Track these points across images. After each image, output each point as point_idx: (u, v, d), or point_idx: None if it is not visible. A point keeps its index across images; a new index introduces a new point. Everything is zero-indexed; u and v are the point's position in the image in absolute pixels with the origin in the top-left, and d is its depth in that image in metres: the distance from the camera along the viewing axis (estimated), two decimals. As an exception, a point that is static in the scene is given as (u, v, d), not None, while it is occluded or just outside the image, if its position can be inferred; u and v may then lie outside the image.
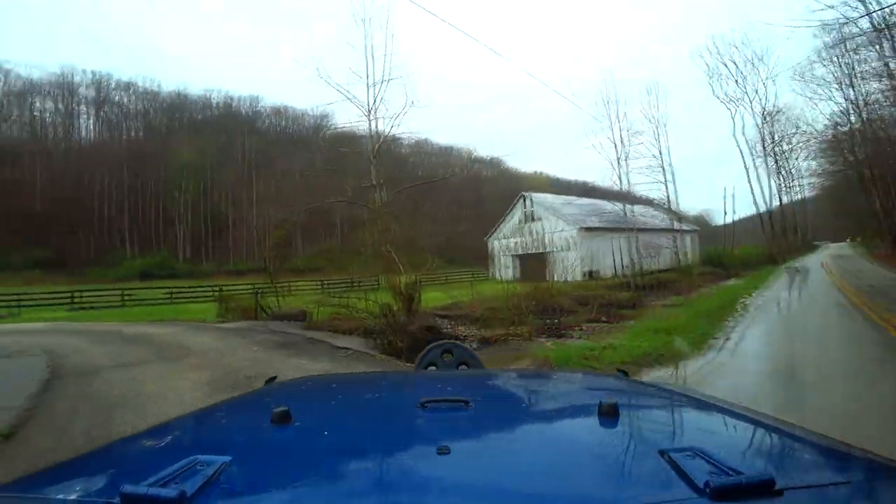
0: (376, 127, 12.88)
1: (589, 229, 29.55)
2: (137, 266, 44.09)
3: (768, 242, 41.17)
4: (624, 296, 17.70)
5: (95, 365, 6.75)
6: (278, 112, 70.98)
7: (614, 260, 29.54)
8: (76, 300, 23.12)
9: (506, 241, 34.88)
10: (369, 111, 12.76)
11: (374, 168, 12.99)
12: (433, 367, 1.83)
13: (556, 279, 17.60)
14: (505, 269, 33.55)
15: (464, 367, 1.81)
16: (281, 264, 24.04)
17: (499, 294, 14.71)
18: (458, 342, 2.12)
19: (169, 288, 27.14)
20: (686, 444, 0.73)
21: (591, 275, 27.19)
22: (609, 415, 0.87)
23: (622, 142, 26.56)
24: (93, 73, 59.87)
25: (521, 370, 4.00)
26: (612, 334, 9.44)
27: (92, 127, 59.91)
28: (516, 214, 34.67)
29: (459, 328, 11.84)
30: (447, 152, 69.91)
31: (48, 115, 56.95)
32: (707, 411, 1.08)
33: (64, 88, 57.50)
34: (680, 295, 19.24)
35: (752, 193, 50.67)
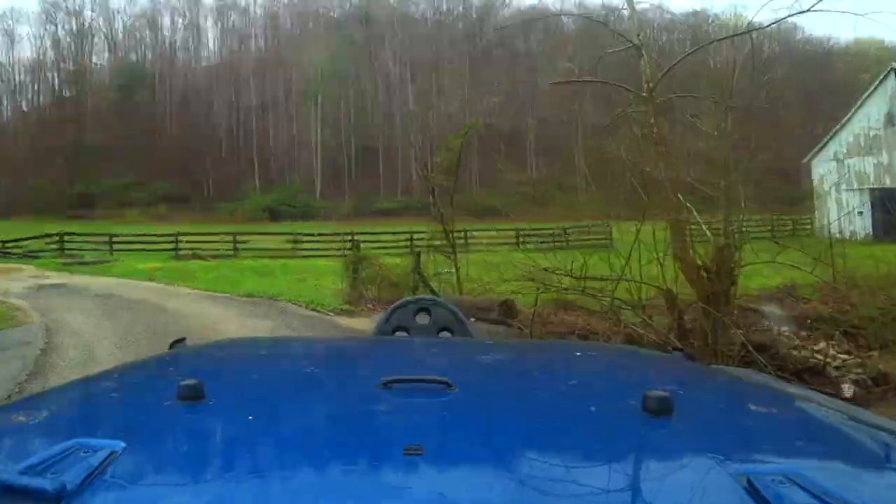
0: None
1: None
2: (265, 202, 37.07)
3: None
4: None
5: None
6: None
7: None
8: (181, 248, 19.45)
9: (848, 164, 19.62)
10: None
11: (634, 18, 6.57)
12: (403, 333, 1.41)
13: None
14: (849, 214, 18.58)
15: (446, 333, 1.38)
16: (451, 203, 13.62)
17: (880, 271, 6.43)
18: (437, 297, 1.35)
19: (294, 234, 21.91)
20: (773, 462, 0.56)
21: None
22: (658, 412, 0.62)
23: None
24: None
25: (527, 342, 3.43)
26: None
27: (216, 41, 53.94)
28: (872, 112, 19.13)
29: (823, 347, 5.08)
30: (692, 20, 44.17)
31: (172, 34, 52.53)
32: (806, 415, 0.81)
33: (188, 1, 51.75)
34: None
35: None
